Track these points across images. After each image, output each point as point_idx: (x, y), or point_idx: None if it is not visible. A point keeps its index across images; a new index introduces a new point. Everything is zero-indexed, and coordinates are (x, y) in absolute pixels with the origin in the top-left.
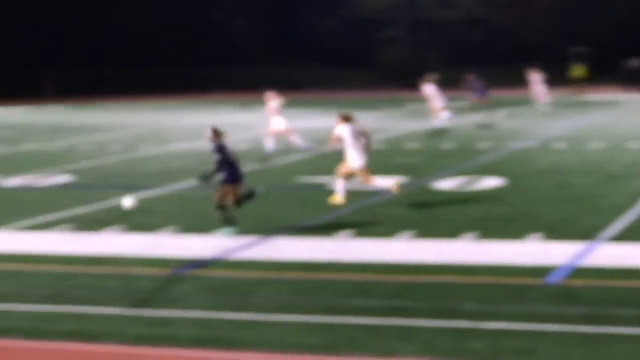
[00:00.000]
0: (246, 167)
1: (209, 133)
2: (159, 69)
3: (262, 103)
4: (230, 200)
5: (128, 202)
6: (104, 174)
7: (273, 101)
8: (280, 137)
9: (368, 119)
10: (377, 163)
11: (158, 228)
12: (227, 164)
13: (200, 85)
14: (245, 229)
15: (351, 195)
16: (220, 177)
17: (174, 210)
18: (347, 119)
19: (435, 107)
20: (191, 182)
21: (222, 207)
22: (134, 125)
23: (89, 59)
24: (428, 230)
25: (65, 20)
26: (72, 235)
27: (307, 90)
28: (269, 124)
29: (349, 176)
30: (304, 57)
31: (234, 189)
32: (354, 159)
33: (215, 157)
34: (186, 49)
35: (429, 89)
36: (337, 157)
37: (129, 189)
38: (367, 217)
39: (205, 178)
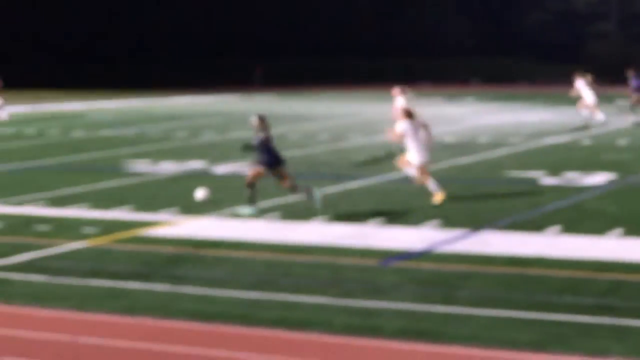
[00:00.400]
0: (455, 160)
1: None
2: (366, 59)
3: (468, 95)
4: (253, 180)
5: (200, 193)
6: (312, 163)
7: (399, 97)
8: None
9: (575, 115)
10: (586, 159)
11: (365, 218)
12: (267, 148)
13: (407, 76)
14: (452, 222)
15: (561, 190)
16: (259, 157)
17: (381, 200)
18: (408, 115)
19: (586, 102)
20: (399, 174)
21: (250, 186)
22: (343, 114)
23: (300, 48)
24: (638, 229)
25: (281, 10)
26: (280, 224)
27: (516, 84)
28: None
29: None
30: (513, 49)
31: (273, 172)
32: (414, 155)
33: (258, 139)
34: (389, 39)
35: (579, 84)
36: (542, 151)
37: (336, 178)
38: (576, 212)
39: (247, 148)
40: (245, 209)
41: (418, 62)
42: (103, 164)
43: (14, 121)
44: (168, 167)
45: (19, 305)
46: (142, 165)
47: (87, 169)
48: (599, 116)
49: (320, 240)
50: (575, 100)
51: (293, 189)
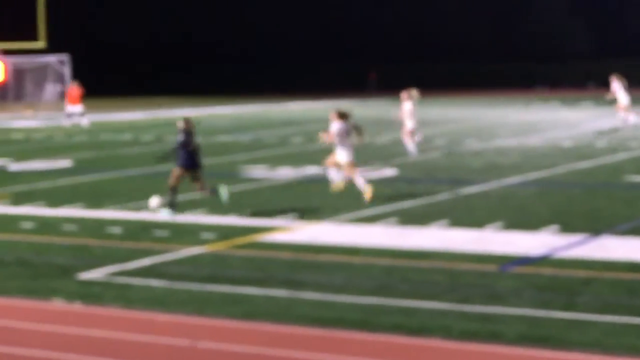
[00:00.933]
0: (573, 165)
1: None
2: (481, 63)
3: (585, 99)
4: (174, 183)
5: (154, 201)
6: (429, 168)
7: (407, 101)
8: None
9: None
10: None
11: (483, 224)
12: (185, 150)
13: (525, 81)
14: (571, 227)
15: None
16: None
17: (498, 206)
18: (342, 116)
19: (621, 104)
20: (516, 179)
21: (173, 189)
22: (458, 119)
23: (414, 53)
24: None
25: (392, 16)
26: (397, 229)
27: (634, 87)
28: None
29: (337, 166)
30: (632, 52)
31: (189, 174)
32: (342, 154)
33: (178, 141)
34: (506, 43)
35: (615, 86)
36: None
37: (453, 183)
38: None
39: (163, 157)
40: (167, 211)
41: (538, 66)
42: (220, 170)
43: (132, 127)
44: (284, 173)
45: (139, 309)
46: (258, 171)
47: (204, 174)
48: (632, 118)
49: (438, 246)
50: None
51: (203, 190)
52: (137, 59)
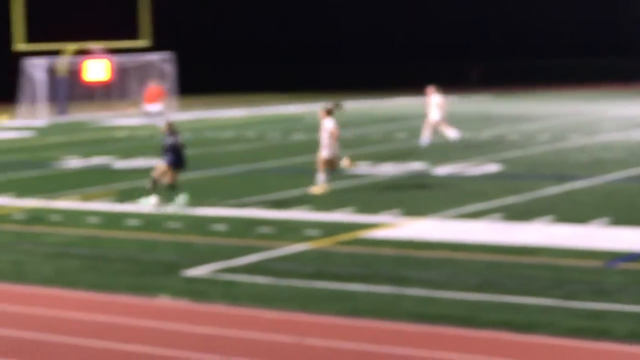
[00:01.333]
0: None
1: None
2: (583, 58)
3: None
4: (166, 180)
5: (152, 200)
6: (532, 164)
7: (434, 95)
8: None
9: None
10: None
11: (588, 219)
12: (174, 150)
13: (626, 75)
14: None
15: None
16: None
17: (604, 201)
18: (330, 112)
19: None
20: (621, 174)
21: (155, 182)
22: (561, 114)
23: (513, 48)
24: None
25: (492, 12)
26: (502, 224)
27: None
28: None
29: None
30: None
31: (173, 172)
32: (324, 151)
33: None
34: (603, 38)
35: None
36: None
37: (557, 179)
38: None
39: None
40: (145, 200)
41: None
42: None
43: (234, 125)
44: (388, 169)
45: (245, 306)
46: (362, 167)
47: (307, 171)
48: None
49: (543, 241)
50: None
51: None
52: (238, 56)
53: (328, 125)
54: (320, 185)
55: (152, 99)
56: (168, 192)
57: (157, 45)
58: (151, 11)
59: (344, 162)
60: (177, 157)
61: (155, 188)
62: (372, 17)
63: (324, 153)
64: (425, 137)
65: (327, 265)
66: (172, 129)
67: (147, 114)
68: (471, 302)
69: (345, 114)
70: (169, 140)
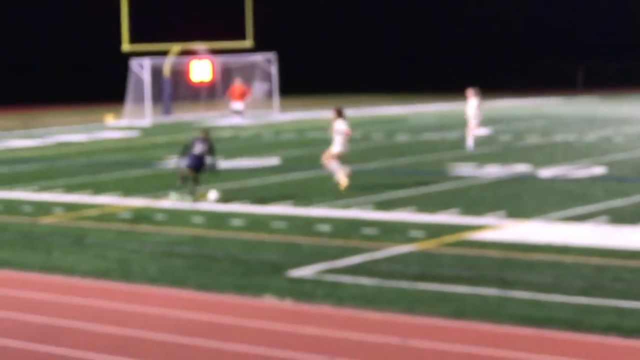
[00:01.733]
0: None
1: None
2: None
3: None
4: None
5: (213, 195)
6: (638, 166)
7: (472, 99)
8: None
9: None
10: None
11: None
12: (190, 154)
13: None
14: None
15: None
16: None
17: None
18: (341, 114)
19: None
20: None
21: (182, 180)
22: None
23: (617, 51)
24: None
25: (601, 11)
26: (608, 228)
27: None
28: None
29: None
30: None
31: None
32: (336, 147)
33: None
34: None
35: None
36: None
37: None
38: None
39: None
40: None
41: None
42: (427, 168)
43: None
44: (493, 171)
45: (350, 307)
46: (466, 169)
47: (412, 172)
48: None
49: None
50: None
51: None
52: (340, 57)
53: (341, 126)
54: (342, 178)
55: (236, 97)
56: (181, 187)
57: (260, 45)
58: (254, 12)
59: (341, 178)
60: (198, 162)
61: (181, 184)
62: (472, 18)
63: (336, 149)
64: (470, 142)
65: (432, 266)
66: (205, 136)
67: (235, 112)
68: (577, 305)
69: (448, 116)
70: (199, 147)
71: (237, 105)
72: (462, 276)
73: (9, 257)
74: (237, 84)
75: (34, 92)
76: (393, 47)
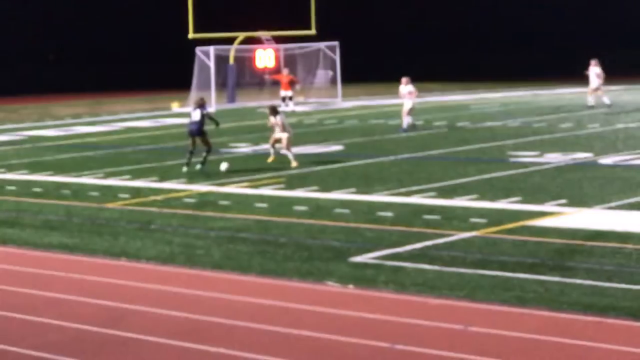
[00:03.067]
0: None
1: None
2: None
3: None
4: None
5: (223, 166)
6: None
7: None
8: None
9: None
10: None
11: None
12: (190, 122)
13: None
14: None
15: None
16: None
17: None
18: (274, 111)
19: None
20: None
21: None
22: None
23: None
24: None
25: None
26: None
27: None
28: None
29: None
30: None
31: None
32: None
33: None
34: None
35: None
36: None
37: None
38: None
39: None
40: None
41: None
42: (489, 155)
43: (400, 113)
44: (554, 158)
45: (411, 293)
46: (527, 157)
47: (474, 160)
48: None
49: None
50: None
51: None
52: (403, 45)
53: (277, 119)
54: (294, 160)
55: (284, 87)
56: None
57: (323, 34)
58: (317, 1)
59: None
60: (198, 127)
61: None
62: (539, 6)
63: (282, 135)
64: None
65: (493, 253)
66: (201, 102)
67: (284, 99)
68: (639, 293)
69: (508, 104)
70: (196, 115)
71: (287, 93)
72: (523, 263)
73: (76, 242)
74: (284, 74)
75: (101, 80)
76: (453, 35)
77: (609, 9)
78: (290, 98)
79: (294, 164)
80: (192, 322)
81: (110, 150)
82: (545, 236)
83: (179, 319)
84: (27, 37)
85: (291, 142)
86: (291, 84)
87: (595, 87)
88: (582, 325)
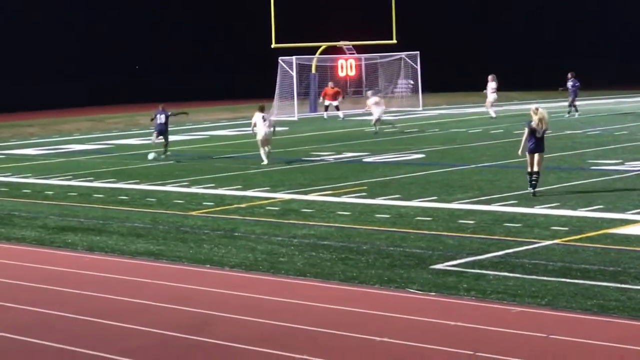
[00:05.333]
0: None
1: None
2: None
3: None
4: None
5: (151, 155)
6: None
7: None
8: None
9: None
10: None
11: None
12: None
13: None
14: None
15: None
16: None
17: None
18: (261, 109)
19: None
20: None
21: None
22: None
23: None
24: None
25: None
26: None
27: None
28: None
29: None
30: None
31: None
32: (259, 134)
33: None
34: None
35: None
36: None
37: None
38: None
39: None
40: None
41: None
42: (569, 164)
43: (480, 121)
44: (636, 167)
45: (493, 301)
46: (608, 165)
47: (553, 168)
48: None
49: None
50: None
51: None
52: (477, 57)
53: (256, 118)
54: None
55: (329, 98)
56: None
57: (404, 44)
58: (398, 11)
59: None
60: (163, 128)
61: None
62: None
63: (259, 136)
64: None
65: (575, 261)
66: (164, 108)
67: (326, 107)
68: None
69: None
70: (161, 118)
71: (332, 103)
72: (604, 271)
73: (162, 249)
74: (329, 87)
75: (186, 91)
76: (523, 45)
77: None
78: (337, 107)
79: (265, 162)
80: (276, 329)
81: (194, 159)
82: (627, 244)
83: (263, 325)
84: (107, 47)
85: (268, 142)
86: (336, 95)
87: None
88: None
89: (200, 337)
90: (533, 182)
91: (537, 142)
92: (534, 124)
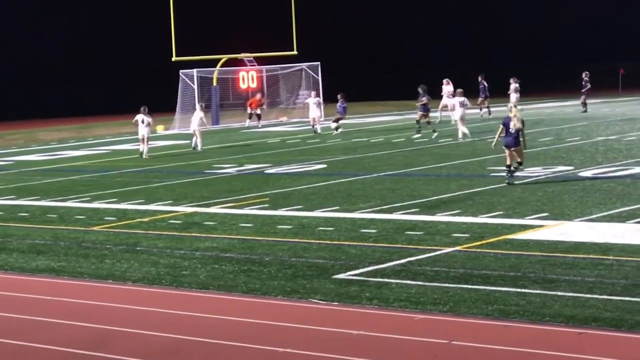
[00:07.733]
0: None
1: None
2: None
3: None
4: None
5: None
6: None
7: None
8: None
9: None
10: None
11: None
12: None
13: None
14: None
15: None
16: None
17: None
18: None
19: None
20: None
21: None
22: None
23: None
24: None
25: None
26: None
27: None
28: None
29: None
30: None
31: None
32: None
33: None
34: None
35: None
36: None
37: None
38: None
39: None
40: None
41: None
42: (470, 171)
43: (383, 130)
44: (534, 172)
45: (395, 309)
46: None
47: (455, 175)
48: None
49: None
50: None
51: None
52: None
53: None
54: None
55: (254, 107)
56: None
57: (304, 55)
58: (298, 23)
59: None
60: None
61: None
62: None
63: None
64: None
65: (476, 267)
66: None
67: (250, 116)
68: (620, 304)
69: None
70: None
71: (256, 111)
72: (505, 276)
73: (63, 265)
74: (256, 97)
75: (88, 105)
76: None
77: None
78: (259, 116)
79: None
80: (177, 342)
81: (96, 173)
82: (526, 249)
83: (164, 339)
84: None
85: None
86: (259, 106)
87: None
88: (564, 337)
89: (100, 352)
90: (508, 174)
91: (512, 138)
92: (508, 121)
